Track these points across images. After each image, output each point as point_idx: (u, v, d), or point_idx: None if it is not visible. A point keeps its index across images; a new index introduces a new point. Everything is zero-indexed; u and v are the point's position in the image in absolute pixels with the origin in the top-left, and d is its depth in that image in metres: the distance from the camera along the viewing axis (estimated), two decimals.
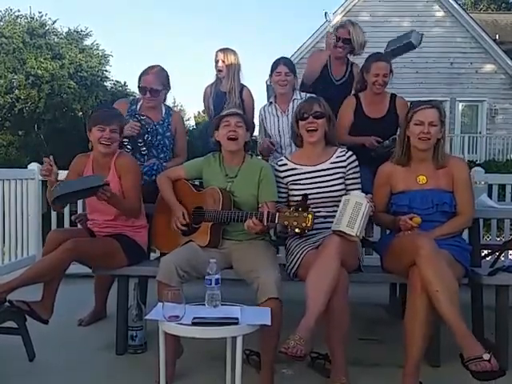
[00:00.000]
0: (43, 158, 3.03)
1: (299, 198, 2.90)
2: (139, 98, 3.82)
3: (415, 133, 2.85)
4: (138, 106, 3.73)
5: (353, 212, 2.63)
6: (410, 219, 2.75)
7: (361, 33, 3.98)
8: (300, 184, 3.05)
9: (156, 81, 3.66)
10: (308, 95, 3.65)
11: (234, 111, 3.08)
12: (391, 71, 3.69)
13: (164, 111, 3.77)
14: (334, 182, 3.02)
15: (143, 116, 3.59)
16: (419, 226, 2.74)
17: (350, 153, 3.11)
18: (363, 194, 2.72)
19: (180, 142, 3.83)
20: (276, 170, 3.13)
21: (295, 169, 3.10)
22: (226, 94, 4.05)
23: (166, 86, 3.77)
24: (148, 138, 3.59)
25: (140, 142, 3.56)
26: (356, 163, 3.10)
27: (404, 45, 3.99)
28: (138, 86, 3.70)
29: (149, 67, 3.72)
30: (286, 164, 3.13)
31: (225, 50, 4.06)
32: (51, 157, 2.98)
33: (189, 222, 3.01)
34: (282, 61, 3.79)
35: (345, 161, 3.07)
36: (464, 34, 17.28)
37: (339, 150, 3.11)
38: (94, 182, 2.92)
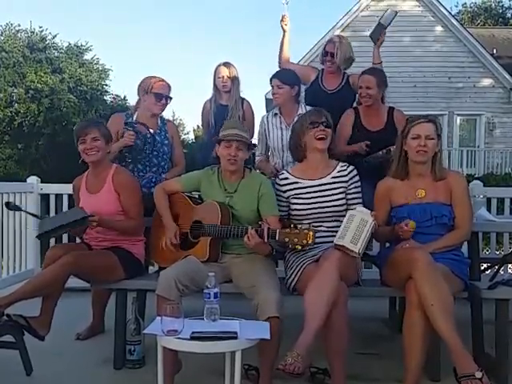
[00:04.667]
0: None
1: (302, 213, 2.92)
2: (133, 110, 3.85)
3: (413, 146, 2.87)
4: (134, 118, 3.74)
5: (357, 229, 2.63)
6: (406, 225, 2.75)
7: (347, 48, 3.98)
8: (301, 198, 3.05)
9: (169, 90, 3.72)
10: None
11: (236, 132, 2.93)
12: (380, 85, 3.67)
13: (159, 120, 3.78)
14: (336, 197, 3.02)
15: (136, 124, 3.59)
16: (414, 230, 2.75)
17: (351, 167, 3.12)
18: (369, 211, 2.72)
19: (177, 151, 3.85)
20: (277, 184, 3.13)
21: (297, 183, 3.09)
22: (228, 107, 4.11)
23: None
24: (147, 147, 3.59)
25: (139, 152, 3.56)
26: (357, 178, 3.10)
27: (377, 26, 4.01)
28: (151, 92, 3.62)
29: (155, 76, 3.72)
30: (287, 178, 3.12)
31: (228, 65, 4.16)
32: None
33: (178, 243, 3.01)
34: (275, 74, 3.79)
35: (346, 175, 3.07)
36: (462, 48, 17.38)
37: (340, 164, 3.12)
38: (75, 215, 2.97)
